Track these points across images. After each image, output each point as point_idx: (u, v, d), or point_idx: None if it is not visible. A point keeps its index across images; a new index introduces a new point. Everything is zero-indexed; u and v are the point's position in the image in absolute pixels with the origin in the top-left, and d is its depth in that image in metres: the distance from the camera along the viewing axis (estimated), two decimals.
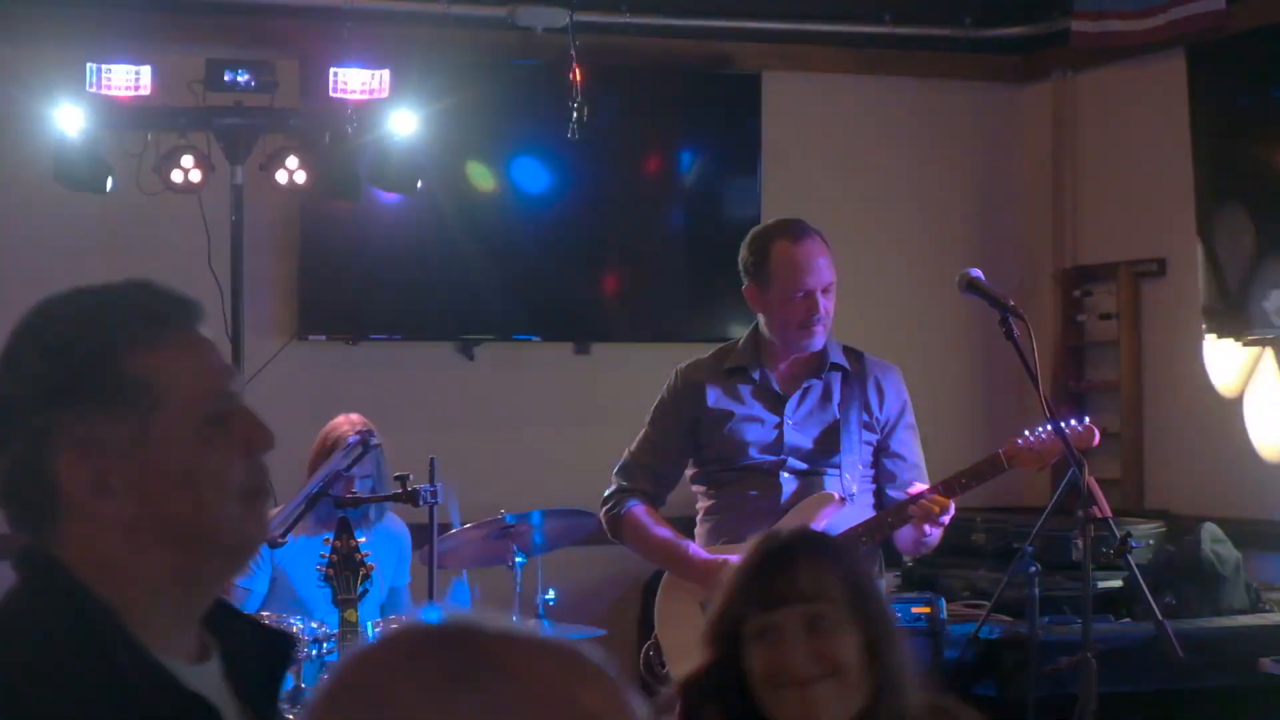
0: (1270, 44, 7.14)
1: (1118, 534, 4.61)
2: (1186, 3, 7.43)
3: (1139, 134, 7.91)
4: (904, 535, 4.89)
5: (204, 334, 1.90)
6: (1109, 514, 4.63)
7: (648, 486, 5.04)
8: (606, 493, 5.07)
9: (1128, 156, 7.99)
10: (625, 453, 5.10)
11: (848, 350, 5.04)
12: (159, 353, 1.85)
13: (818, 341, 4.92)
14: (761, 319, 4.99)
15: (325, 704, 1.25)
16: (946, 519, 4.79)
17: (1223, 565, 6.76)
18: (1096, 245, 8.15)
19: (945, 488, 4.82)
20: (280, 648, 2.02)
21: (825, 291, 4.88)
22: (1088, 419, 4.91)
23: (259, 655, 1.97)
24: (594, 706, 1.21)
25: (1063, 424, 4.74)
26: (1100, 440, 4.88)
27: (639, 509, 5.00)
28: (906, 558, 7.67)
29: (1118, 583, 6.53)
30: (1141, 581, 4.95)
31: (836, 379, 4.97)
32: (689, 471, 5.07)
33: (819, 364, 4.97)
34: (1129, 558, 4.69)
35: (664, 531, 4.98)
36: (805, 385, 4.96)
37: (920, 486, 4.84)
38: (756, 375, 4.97)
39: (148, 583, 1.84)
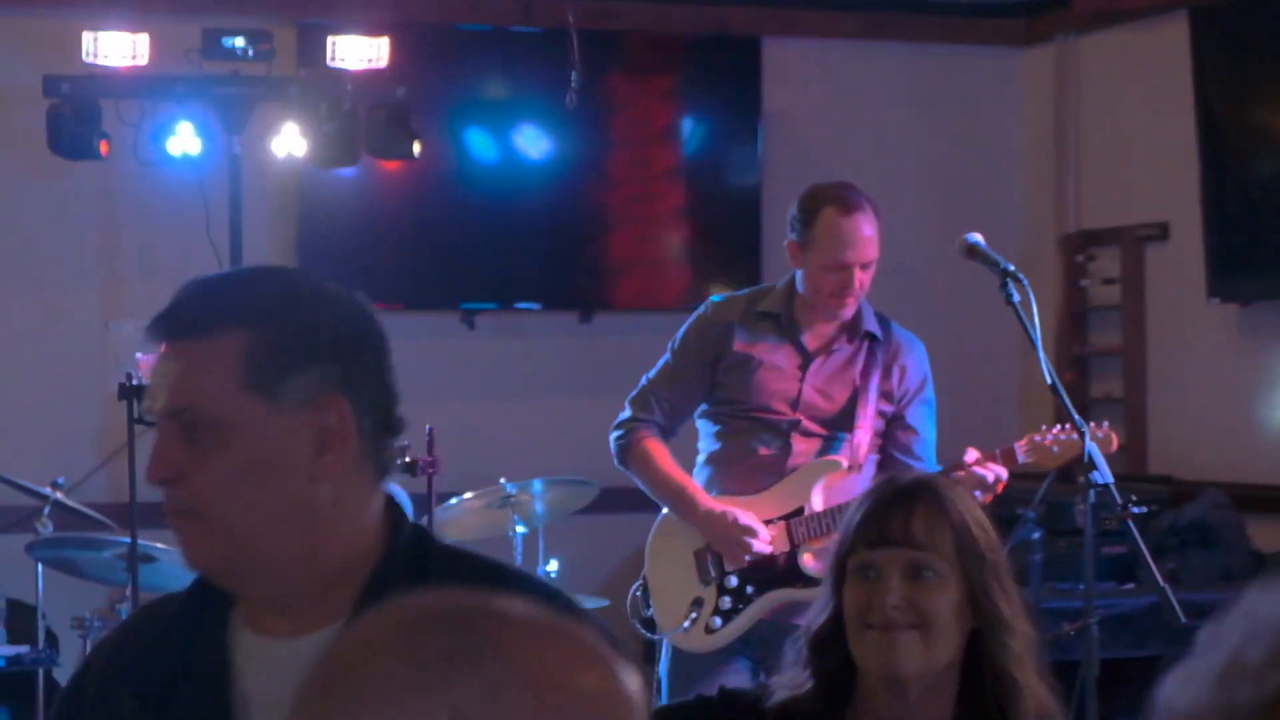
0: (1273, 6, 7.10)
1: (1120, 500, 4.58)
2: None
3: (1142, 97, 7.88)
4: None
5: (164, 352, 2.01)
6: (1111, 480, 4.60)
7: (661, 418, 4.99)
8: (618, 419, 5.03)
9: (1130, 120, 7.96)
10: (643, 379, 5.06)
11: (879, 315, 5.01)
12: None
13: (847, 313, 4.88)
14: (799, 274, 4.97)
15: (317, 680, 1.22)
16: (999, 487, 4.78)
17: (1226, 530, 6.75)
18: (1099, 210, 8.12)
19: (1004, 457, 4.80)
20: None
21: (865, 267, 4.84)
22: (1106, 424, 4.88)
23: None
24: (591, 687, 1.20)
25: (1081, 425, 4.71)
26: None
27: (652, 442, 4.96)
28: None
29: (1121, 549, 6.52)
30: (1144, 547, 4.93)
31: (864, 346, 4.95)
32: (698, 410, 5.04)
33: (852, 328, 4.94)
34: (1131, 523, 4.66)
35: (674, 471, 4.94)
36: (834, 348, 4.94)
37: (975, 453, 4.80)
38: (787, 325, 4.93)
39: None
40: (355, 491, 2.02)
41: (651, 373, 5.05)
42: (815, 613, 2.81)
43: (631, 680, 1.21)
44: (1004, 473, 4.78)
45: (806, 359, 4.92)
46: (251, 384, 1.94)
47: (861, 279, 4.83)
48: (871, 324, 4.95)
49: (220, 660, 2.03)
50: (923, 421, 5.01)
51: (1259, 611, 1.23)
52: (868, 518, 2.73)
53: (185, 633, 2.08)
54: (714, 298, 5.10)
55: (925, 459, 4.99)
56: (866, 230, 4.84)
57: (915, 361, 5.00)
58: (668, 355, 5.05)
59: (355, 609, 1.94)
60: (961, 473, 4.76)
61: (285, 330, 1.97)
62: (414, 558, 2.03)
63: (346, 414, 1.99)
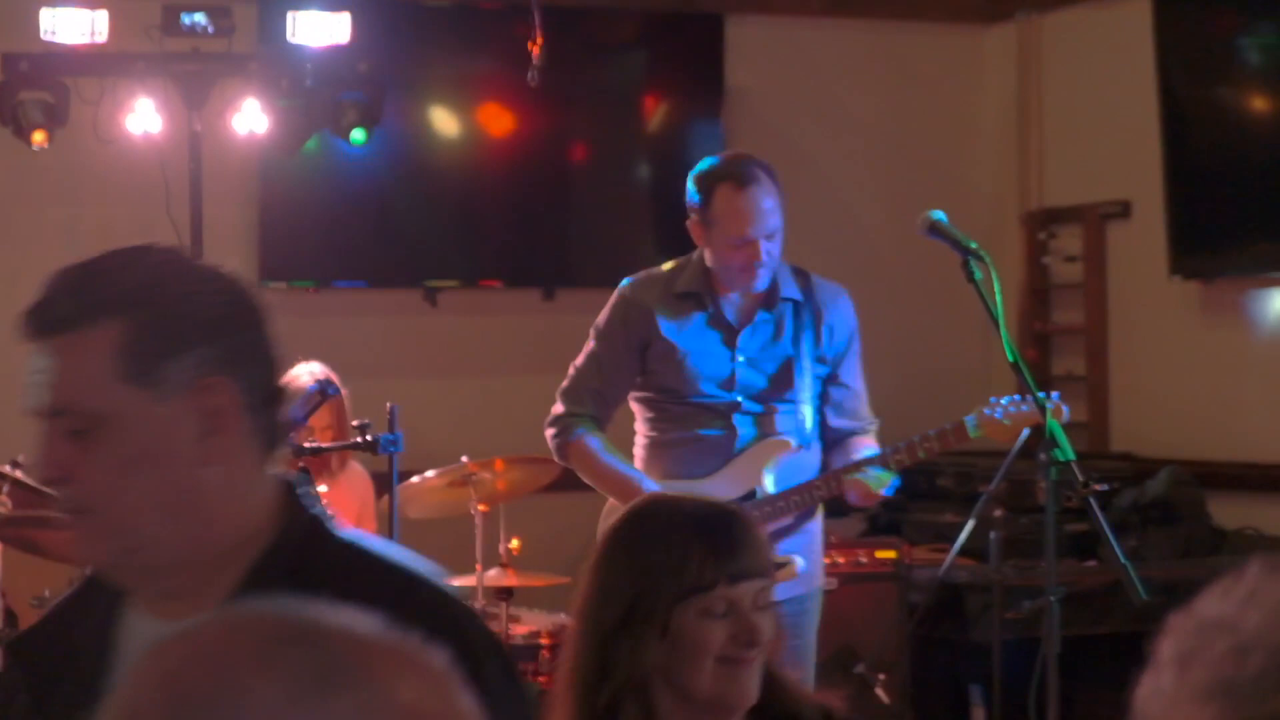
0: None
1: (1081, 477, 4.59)
2: None
3: (1104, 75, 7.89)
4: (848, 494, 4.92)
5: (39, 348, 1.96)
6: (1073, 457, 4.61)
7: (594, 410, 4.98)
8: (552, 415, 5.02)
9: (1093, 98, 7.96)
10: (571, 369, 5.04)
11: (797, 273, 4.97)
12: None
13: (759, 285, 4.84)
14: (707, 252, 4.94)
15: (164, 708, 1.14)
16: (890, 491, 4.83)
17: (1187, 507, 6.77)
18: (1062, 187, 8.13)
19: (908, 451, 4.83)
20: None
21: (770, 237, 4.78)
22: (1058, 395, 4.90)
23: None
24: (445, 713, 1.18)
25: (1040, 398, 4.70)
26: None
27: (588, 436, 4.95)
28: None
29: (1082, 526, 6.53)
30: (1105, 524, 4.94)
31: (789, 310, 4.91)
32: (633, 394, 5.02)
33: (770, 297, 4.90)
34: (1092, 501, 4.67)
35: (616, 463, 4.94)
36: (757, 318, 4.91)
37: (866, 443, 4.85)
38: (709, 303, 4.90)
39: None
40: (244, 471, 2.00)
41: (579, 361, 5.02)
42: (632, 657, 2.61)
43: (471, 704, 1.19)
44: (895, 479, 4.85)
45: (734, 335, 4.90)
46: (129, 374, 1.91)
47: (769, 249, 4.78)
48: (790, 289, 4.91)
49: (104, 644, 2.01)
50: (855, 374, 5.01)
51: (1241, 624, 1.20)
52: (726, 553, 2.61)
53: (76, 618, 2.07)
54: (629, 278, 5.06)
55: (860, 410, 5.02)
56: (765, 202, 4.77)
57: (840, 317, 4.97)
58: (592, 341, 5.01)
59: (236, 595, 1.92)
60: (899, 456, 4.79)
61: (159, 316, 1.93)
62: (304, 549, 2.00)
63: (230, 393, 1.95)
